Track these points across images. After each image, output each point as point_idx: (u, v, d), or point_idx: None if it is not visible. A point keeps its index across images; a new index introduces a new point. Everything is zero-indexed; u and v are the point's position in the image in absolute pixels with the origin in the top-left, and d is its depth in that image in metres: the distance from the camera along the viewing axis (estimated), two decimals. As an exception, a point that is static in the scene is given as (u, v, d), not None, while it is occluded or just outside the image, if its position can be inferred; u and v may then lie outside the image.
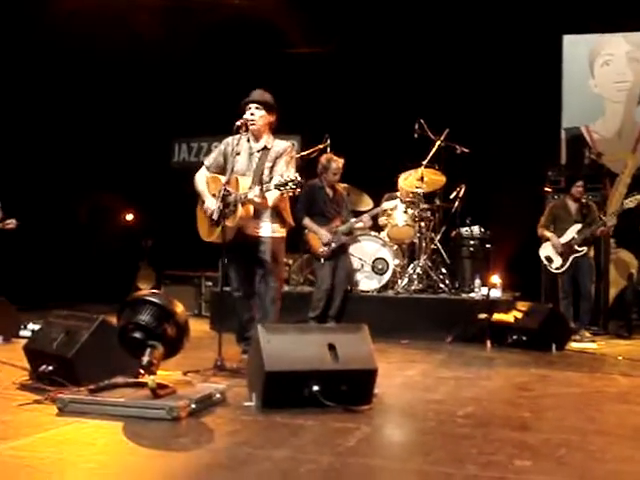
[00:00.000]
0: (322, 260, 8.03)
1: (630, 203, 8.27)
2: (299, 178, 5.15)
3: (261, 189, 5.33)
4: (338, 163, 7.96)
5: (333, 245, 7.98)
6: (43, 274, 10.69)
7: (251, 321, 5.72)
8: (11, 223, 8.18)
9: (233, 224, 5.44)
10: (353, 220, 8.22)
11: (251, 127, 5.67)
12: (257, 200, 5.37)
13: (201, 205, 5.80)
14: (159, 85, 11.60)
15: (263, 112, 5.72)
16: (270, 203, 5.50)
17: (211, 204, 5.62)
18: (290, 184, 5.13)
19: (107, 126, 11.76)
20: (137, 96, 11.62)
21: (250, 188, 5.44)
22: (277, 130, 5.92)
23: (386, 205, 8.70)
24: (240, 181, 5.53)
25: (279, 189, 5.18)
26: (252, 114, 5.68)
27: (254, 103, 5.71)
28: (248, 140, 5.75)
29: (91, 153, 11.64)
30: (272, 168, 5.65)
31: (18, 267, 9.94)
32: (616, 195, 9.65)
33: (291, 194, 5.28)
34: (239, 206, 5.41)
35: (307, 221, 7.98)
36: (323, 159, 8.08)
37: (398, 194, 9.16)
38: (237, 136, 5.61)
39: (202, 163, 6.03)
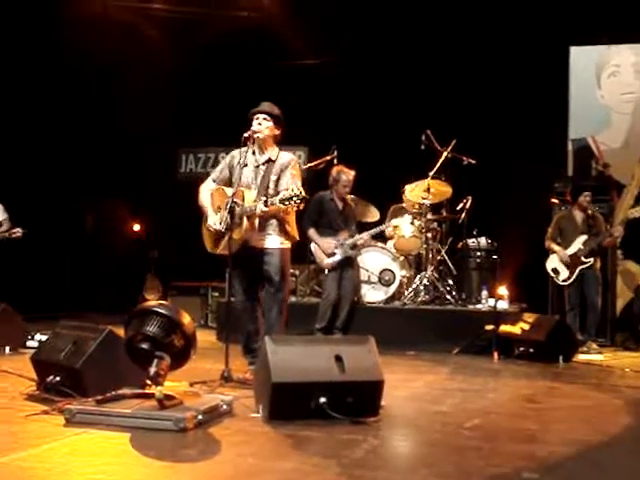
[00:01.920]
0: (326, 271, 8.03)
1: (636, 212, 8.28)
2: (304, 193, 5.15)
3: (265, 202, 5.32)
4: (349, 175, 7.93)
5: (338, 257, 7.96)
6: (50, 284, 10.72)
7: (257, 333, 5.71)
8: (17, 232, 8.22)
9: (239, 237, 5.44)
10: (357, 236, 8.16)
11: (257, 137, 5.66)
12: (261, 213, 5.37)
13: (205, 220, 5.80)
14: (166, 96, 11.64)
15: (271, 123, 5.71)
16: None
17: (213, 220, 5.63)
18: (295, 199, 5.13)
19: (115, 136, 11.81)
20: (144, 107, 11.65)
21: (255, 201, 5.44)
22: (284, 142, 5.91)
23: (395, 222, 8.65)
24: (246, 194, 5.52)
25: (284, 204, 5.19)
26: (259, 124, 5.69)
27: (262, 114, 5.72)
28: (254, 153, 5.75)
29: (98, 163, 11.70)
30: (277, 181, 5.64)
31: (25, 277, 9.96)
32: (623, 206, 9.62)
33: (295, 209, 5.28)
34: (245, 219, 5.41)
35: (311, 232, 7.97)
36: (334, 171, 8.05)
37: (404, 205, 9.17)
38: (243, 149, 5.63)
39: (208, 175, 6.05)
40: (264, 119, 5.70)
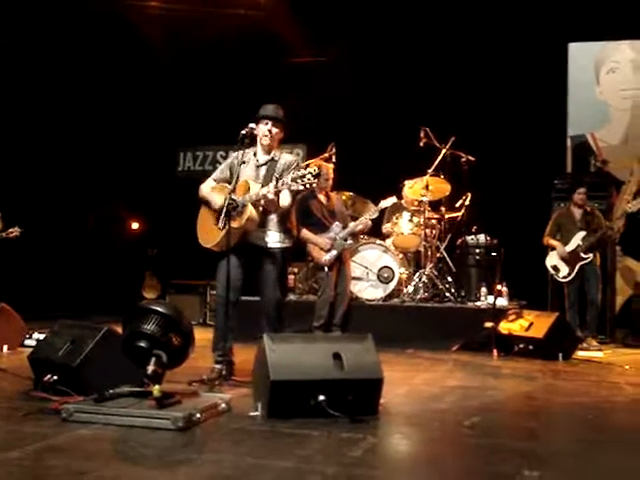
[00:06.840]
0: (325, 269, 8.02)
1: (633, 207, 8.26)
2: (317, 170, 5.08)
3: (276, 185, 5.21)
4: (327, 169, 7.98)
5: (334, 252, 7.96)
6: (48, 283, 10.70)
7: (231, 330, 5.53)
8: (15, 231, 8.16)
9: (240, 225, 5.34)
10: (352, 224, 8.18)
11: (263, 142, 5.66)
12: (270, 196, 5.25)
13: (205, 209, 5.74)
14: (165, 94, 11.62)
15: (278, 130, 5.71)
16: (281, 204, 5.42)
17: (219, 199, 5.52)
18: (308, 175, 5.01)
19: (113, 135, 11.80)
20: (143, 105, 11.65)
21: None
22: (283, 140, 5.91)
23: (383, 203, 8.54)
24: (251, 185, 5.45)
25: (296, 181, 5.05)
26: (270, 130, 5.66)
27: (272, 120, 5.69)
28: (255, 154, 5.72)
29: (97, 162, 11.69)
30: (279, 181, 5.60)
31: (23, 276, 9.95)
32: (622, 203, 9.63)
33: (309, 186, 5.13)
34: (248, 206, 5.35)
35: (304, 232, 7.94)
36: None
37: (402, 201, 9.16)
38: (248, 150, 5.60)
39: (206, 173, 6.00)
40: (273, 125, 5.68)
